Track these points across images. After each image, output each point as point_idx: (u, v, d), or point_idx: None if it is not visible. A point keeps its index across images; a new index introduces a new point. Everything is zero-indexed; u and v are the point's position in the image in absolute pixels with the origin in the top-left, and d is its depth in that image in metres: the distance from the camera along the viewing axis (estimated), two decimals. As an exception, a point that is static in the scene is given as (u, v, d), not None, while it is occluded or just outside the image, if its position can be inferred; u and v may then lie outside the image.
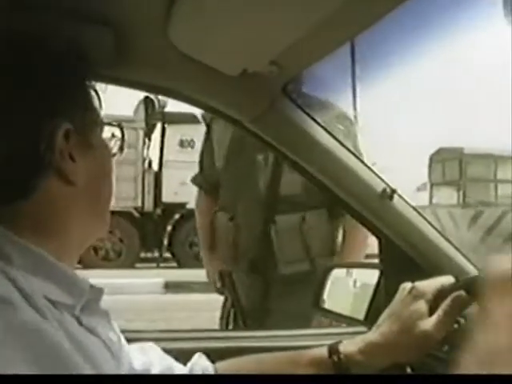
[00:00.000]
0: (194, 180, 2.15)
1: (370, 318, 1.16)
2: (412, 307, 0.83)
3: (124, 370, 0.74)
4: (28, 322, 0.52)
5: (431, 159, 11.13)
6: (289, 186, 1.87)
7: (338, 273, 1.46)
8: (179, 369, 0.88)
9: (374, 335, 0.87)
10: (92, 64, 0.70)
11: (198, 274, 3.00)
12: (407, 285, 0.88)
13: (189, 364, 0.90)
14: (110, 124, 0.75)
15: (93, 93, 0.70)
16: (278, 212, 1.87)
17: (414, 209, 1.14)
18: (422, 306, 0.83)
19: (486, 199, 10.55)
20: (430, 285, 0.85)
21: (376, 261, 1.31)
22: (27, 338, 0.51)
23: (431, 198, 11.31)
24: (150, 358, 0.86)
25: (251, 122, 1.04)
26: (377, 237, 1.21)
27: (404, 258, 1.16)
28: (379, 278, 1.28)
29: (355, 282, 1.42)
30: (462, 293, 0.80)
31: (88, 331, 0.64)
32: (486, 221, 9.58)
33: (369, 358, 0.85)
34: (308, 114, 1.03)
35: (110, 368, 0.63)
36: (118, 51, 0.90)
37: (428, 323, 0.81)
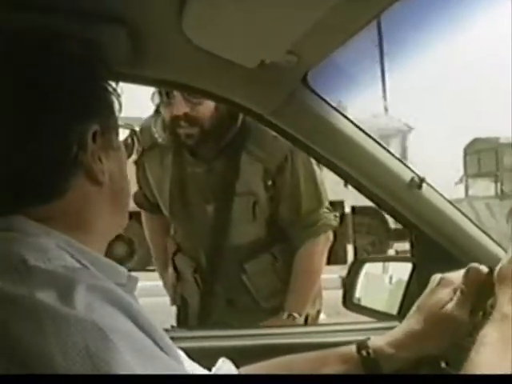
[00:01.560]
0: (135, 197, 1.89)
1: (403, 312, 1.13)
2: (438, 296, 0.83)
3: None
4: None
5: (466, 151, 10.90)
6: (249, 234, 1.73)
7: (373, 270, 1.43)
8: (201, 373, 0.86)
9: (402, 327, 0.86)
10: (112, 66, 0.71)
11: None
12: (437, 276, 0.86)
13: (213, 369, 0.88)
14: (124, 127, 0.77)
15: (113, 95, 0.71)
16: (244, 260, 1.73)
17: (444, 198, 1.10)
18: (446, 294, 0.82)
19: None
20: (458, 274, 0.84)
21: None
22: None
23: (467, 190, 11.08)
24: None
25: (271, 114, 1.02)
26: (407, 228, 1.17)
27: (436, 250, 1.13)
28: (412, 272, 1.25)
29: (391, 278, 1.40)
30: (475, 265, 0.80)
31: None
32: (526, 212, 9.34)
33: (398, 351, 0.84)
34: (330, 104, 1.01)
35: None
36: (134, 49, 0.89)
37: (450, 306, 0.81)
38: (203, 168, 1.70)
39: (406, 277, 1.27)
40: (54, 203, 0.62)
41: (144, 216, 1.99)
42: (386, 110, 8.50)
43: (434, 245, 1.13)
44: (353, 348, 0.87)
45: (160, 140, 1.68)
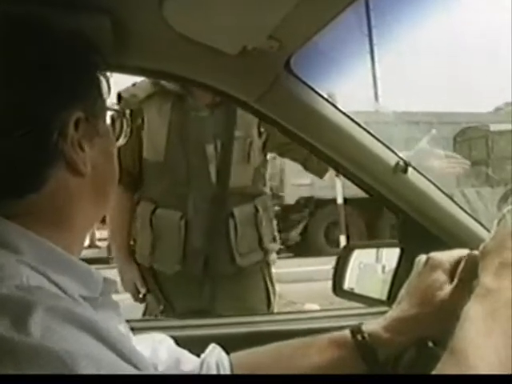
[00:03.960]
0: None
1: (393, 297, 1.13)
2: (430, 278, 0.81)
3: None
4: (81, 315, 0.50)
5: (455, 139, 10.92)
6: (239, 178, 1.82)
7: (366, 259, 1.43)
8: (189, 361, 0.86)
9: (395, 312, 0.85)
10: (100, 50, 0.68)
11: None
12: (422, 257, 0.85)
13: (202, 355, 0.89)
14: (113, 109, 0.72)
15: (102, 79, 0.68)
16: (232, 204, 1.81)
17: (430, 181, 1.11)
18: (440, 276, 0.81)
19: (515, 178, 10.32)
20: (446, 255, 0.83)
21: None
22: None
23: (458, 178, 11.11)
24: (157, 353, 0.85)
25: (256, 101, 1.02)
26: (394, 213, 1.18)
27: (423, 234, 1.13)
28: (400, 257, 1.26)
29: (384, 267, 1.40)
30: (476, 253, 0.78)
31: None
32: (517, 200, 9.37)
33: (393, 336, 0.83)
34: (313, 89, 1.01)
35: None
36: (117, 38, 0.88)
37: (447, 292, 0.79)
38: (206, 112, 1.78)
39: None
40: (29, 197, 0.58)
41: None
42: (376, 97, 8.50)
43: (421, 229, 1.13)
44: (347, 333, 0.86)
45: (168, 86, 1.76)
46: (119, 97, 1.85)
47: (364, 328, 0.85)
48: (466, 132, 10.94)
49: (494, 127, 10.36)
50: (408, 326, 0.82)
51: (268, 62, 0.95)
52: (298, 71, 0.99)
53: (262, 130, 1.83)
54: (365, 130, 1.06)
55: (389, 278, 1.33)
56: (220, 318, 1.30)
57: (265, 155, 1.90)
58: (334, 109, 1.03)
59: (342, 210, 8.57)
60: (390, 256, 1.42)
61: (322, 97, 1.02)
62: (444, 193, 1.11)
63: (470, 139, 10.90)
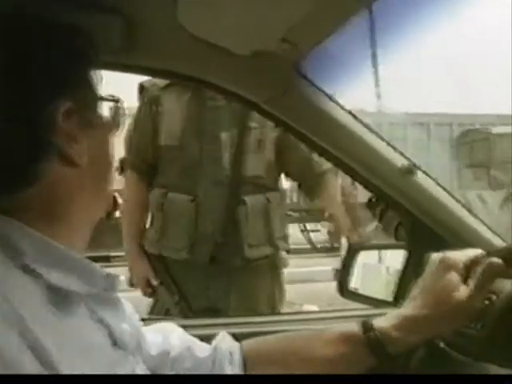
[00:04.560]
0: (124, 161, 1.94)
1: (399, 299, 1.14)
2: (445, 279, 0.80)
3: (137, 361, 0.72)
4: None
5: (458, 141, 10.93)
6: (253, 167, 1.85)
7: (369, 260, 1.44)
8: (201, 348, 0.87)
9: (407, 310, 0.83)
10: (93, 42, 0.67)
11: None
12: (435, 256, 0.85)
13: (213, 342, 0.89)
14: (108, 99, 0.71)
15: (93, 68, 0.67)
16: (244, 193, 1.83)
17: (438, 184, 1.11)
18: (454, 276, 0.80)
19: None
20: (460, 255, 0.82)
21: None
22: None
23: (460, 180, 11.12)
24: (169, 340, 0.85)
25: (266, 102, 1.02)
26: (401, 215, 1.18)
27: (430, 236, 1.14)
28: (407, 259, 1.26)
29: (388, 268, 1.41)
30: (496, 259, 0.78)
31: (97, 322, 0.63)
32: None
33: (405, 334, 0.82)
34: (323, 92, 1.01)
35: (104, 359, 0.61)
36: (129, 38, 0.89)
37: (463, 294, 0.79)
38: (223, 102, 1.80)
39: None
40: (26, 192, 0.58)
41: (129, 181, 1.97)
42: (378, 97, 8.50)
43: (428, 231, 1.13)
44: (355, 328, 0.85)
45: None
46: (141, 86, 1.90)
47: (375, 325, 0.84)
48: (467, 134, 10.94)
49: (496, 130, 10.35)
50: (420, 325, 0.82)
51: (279, 64, 0.96)
52: (308, 73, 0.99)
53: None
54: (373, 132, 1.07)
55: (394, 279, 1.33)
56: (221, 318, 1.30)
57: (278, 152, 1.91)
58: (342, 111, 1.04)
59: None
60: (393, 256, 1.43)
61: (332, 99, 1.02)
62: (451, 195, 1.11)
63: (472, 141, 10.90)
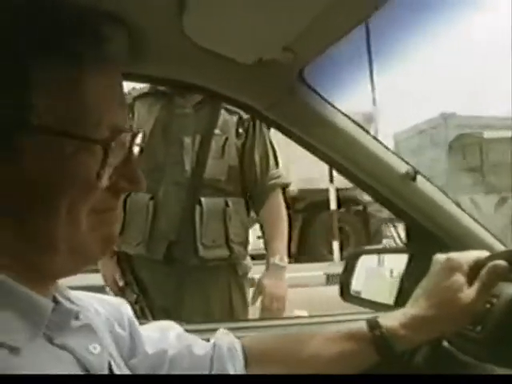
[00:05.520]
0: None
1: (400, 302, 1.15)
2: (450, 279, 0.82)
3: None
4: None
5: (450, 145, 10.99)
6: (213, 171, 1.91)
7: (369, 263, 1.45)
8: (201, 346, 0.86)
9: (414, 309, 0.85)
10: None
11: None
12: (441, 256, 0.86)
13: (212, 339, 0.88)
14: None
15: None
16: (202, 195, 1.90)
17: (439, 189, 1.13)
18: (459, 278, 0.82)
19: (509, 184, 10.40)
20: (465, 256, 0.84)
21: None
22: None
23: (452, 184, 11.18)
24: (166, 338, 0.84)
25: (268, 109, 1.04)
26: (403, 220, 1.20)
27: (431, 240, 1.15)
28: (408, 263, 1.27)
29: (392, 271, 1.42)
30: (500, 262, 0.79)
31: (59, 348, 0.60)
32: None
33: (412, 333, 0.83)
34: (325, 99, 1.03)
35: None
36: (133, 47, 0.90)
37: (468, 295, 0.80)
38: (191, 110, 1.92)
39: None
40: None
41: None
42: (374, 102, 8.61)
43: (429, 236, 1.15)
44: (362, 326, 0.85)
45: (161, 88, 1.92)
46: None
47: (382, 323, 0.84)
48: (460, 138, 11.00)
49: (487, 134, 10.42)
50: (426, 325, 0.83)
51: (281, 72, 0.97)
52: (310, 80, 1.01)
53: (241, 131, 1.96)
54: (374, 138, 1.08)
55: (397, 282, 1.35)
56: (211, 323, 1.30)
57: (240, 160, 1.98)
58: (344, 117, 1.05)
59: (335, 215, 8.65)
60: (396, 260, 1.44)
61: (334, 106, 1.04)
62: (452, 200, 1.13)
63: (464, 146, 10.96)
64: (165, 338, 0.84)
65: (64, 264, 0.60)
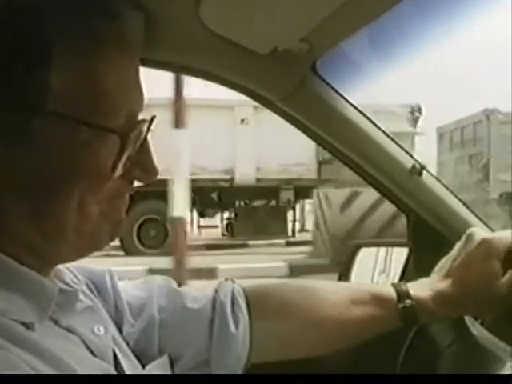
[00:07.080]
0: None
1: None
2: (485, 263, 0.81)
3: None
4: None
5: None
6: None
7: (372, 257, 1.47)
8: (198, 299, 0.81)
9: (444, 284, 0.83)
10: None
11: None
12: (476, 233, 0.85)
13: (209, 289, 0.83)
14: None
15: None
16: None
17: (443, 185, 1.14)
18: (495, 263, 0.81)
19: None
20: (500, 240, 0.83)
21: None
22: None
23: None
24: (151, 299, 0.79)
25: (281, 100, 1.04)
26: (405, 214, 1.21)
27: (434, 235, 1.17)
28: (408, 256, 1.29)
29: (389, 266, 1.44)
30: None
31: (66, 330, 0.61)
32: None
33: (439, 308, 0.82)
34: (337, 92, 1.04)
35: (85, 366, 0.59)
36: (150, 34, 0.90)
37: (503, 285, 0.80)
38: None
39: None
40: None
41: None
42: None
43: (431, 230, 1.16)
44: (391, 292, 0.83)
45: None
46: None
47: (412, 293, 0.83)
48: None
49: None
50: (454, 303, 0.82)
51: (295, 63, 0.97)
52: (323, 73, 1.02)
53: None
54: (384, 132, 1.09)
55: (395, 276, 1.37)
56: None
57: None
58: (355, 110, 1.06)
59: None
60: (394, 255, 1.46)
61: (345, 99, 1.05)
62: (456, 197, 1.14)
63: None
64: (150, 302, 0.79)
65: (71, 250, 0.61)
